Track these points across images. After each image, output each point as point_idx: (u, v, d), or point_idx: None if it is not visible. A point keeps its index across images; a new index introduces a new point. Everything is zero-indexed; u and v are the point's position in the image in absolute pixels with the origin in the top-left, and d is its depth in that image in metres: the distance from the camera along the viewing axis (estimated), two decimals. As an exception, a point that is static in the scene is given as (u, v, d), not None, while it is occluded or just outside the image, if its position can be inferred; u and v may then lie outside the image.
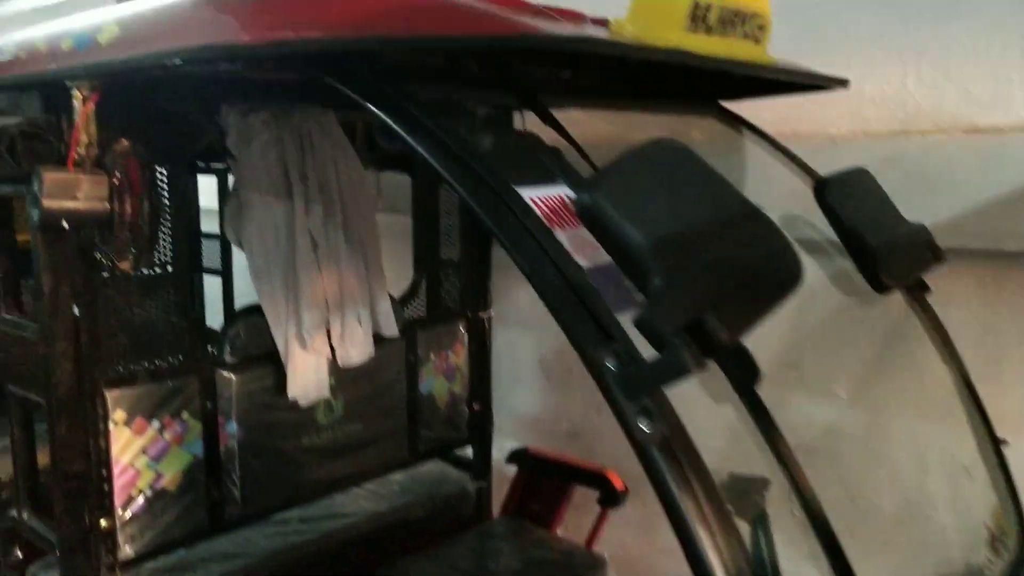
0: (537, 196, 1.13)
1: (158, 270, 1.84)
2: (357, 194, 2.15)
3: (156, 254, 1.89)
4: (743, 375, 1.07)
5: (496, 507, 2.58)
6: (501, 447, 2.59)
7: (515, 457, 2.50)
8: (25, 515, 1.89)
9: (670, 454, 0.90)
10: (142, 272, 1.77)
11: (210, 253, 3.34)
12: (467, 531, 2.40)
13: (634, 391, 0.91)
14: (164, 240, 1.92)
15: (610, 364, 0.94)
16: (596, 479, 2.31)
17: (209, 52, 1.16)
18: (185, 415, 1.90)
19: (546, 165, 1.17)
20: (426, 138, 1.05)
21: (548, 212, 1.15)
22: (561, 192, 1.18)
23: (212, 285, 3.24)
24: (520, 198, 1.05)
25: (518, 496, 2.50)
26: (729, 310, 0.92)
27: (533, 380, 2.74)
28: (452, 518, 2.47)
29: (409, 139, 1.07)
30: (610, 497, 2.28)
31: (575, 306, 0.97)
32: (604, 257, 1.13)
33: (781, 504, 1.59)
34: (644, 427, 0.91)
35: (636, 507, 2.44)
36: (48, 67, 1.53)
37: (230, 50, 1.13)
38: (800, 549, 1.52)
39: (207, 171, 2.83)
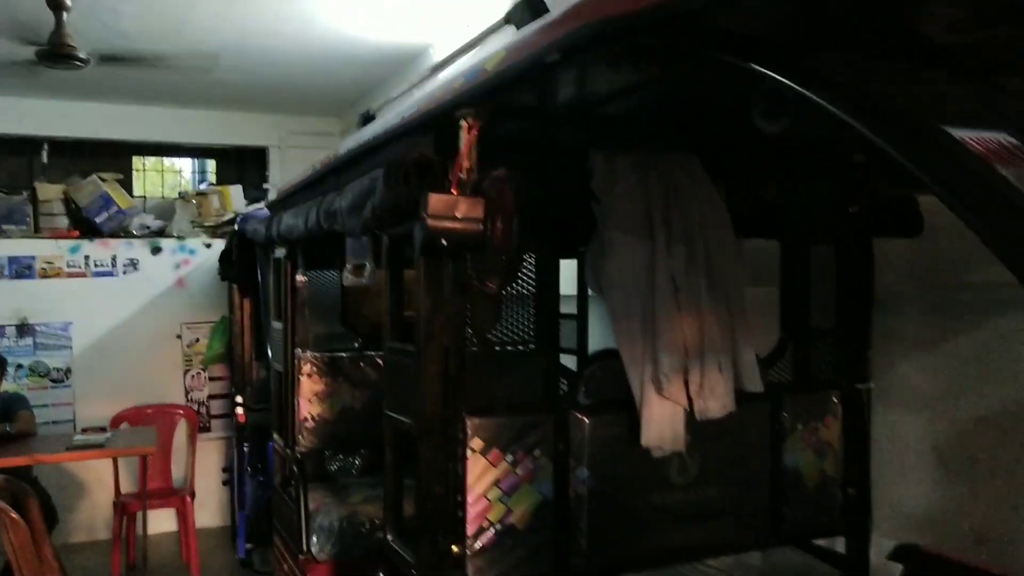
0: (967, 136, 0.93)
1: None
2: (722, 241, 2.04)
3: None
4: None
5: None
6: (879, 546, 2.20)
7: (902, 554, 2.09)
8: (390, 536, 1.97)
9: None
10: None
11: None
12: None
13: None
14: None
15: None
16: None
17: (586, 31, 1.16)
18: (537, 453, 1.88)
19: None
20: (834, 91, 0.92)
21: (984, 153, 0.93)
22: (996, 136, 0.96)
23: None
24: (951, 136, 0.86)
25: (905, 606, 2.08)
26: None
27: (923, 470, 2.31)
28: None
29: (816, 97, 0.95)
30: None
31: (1015, 222, 0.74)
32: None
33: None
34: None
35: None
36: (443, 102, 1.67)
37: (605, 24, 1.11)
38: None
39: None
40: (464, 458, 1.80)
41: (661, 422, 1.90)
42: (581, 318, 3.30)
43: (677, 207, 1.99)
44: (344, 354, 3.38)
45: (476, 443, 1.81)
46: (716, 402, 1.94)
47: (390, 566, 2.01)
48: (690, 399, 1.94)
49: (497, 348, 2.27)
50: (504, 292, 1.94)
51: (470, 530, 1.81)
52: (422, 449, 1.77)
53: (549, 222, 2.14)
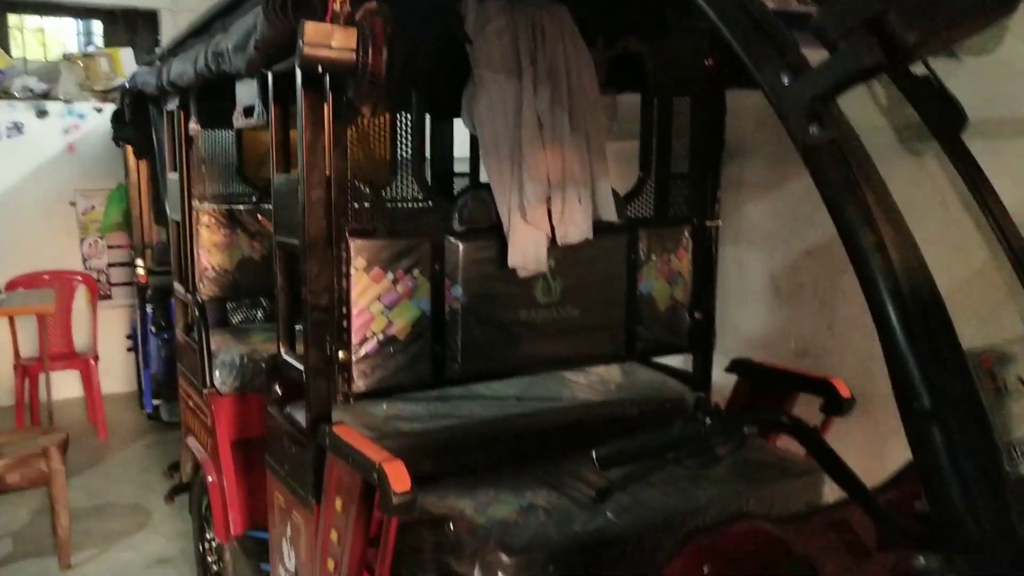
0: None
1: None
2: (585, 86, 2.22)
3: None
4: (946, 118, 0.97)
5: (713, 419, 2.52)
6: (723, 365, 2.53)
7: (736, 366, 2.43)
8: (283, 350, 2.17)
9: (838, 157, 0.86)
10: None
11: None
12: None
13: (804, 96, 0.88)
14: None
15: (784, 78, 0.91)
16: (820, 386, 2.18)
17: None
18: (416, 273, 2.09)
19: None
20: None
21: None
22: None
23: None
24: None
25: (737, 406, 2.43)
26: (921, 18, 0.86)
27: (762, 297, 2.64)
28: (667, 423, 2.44)
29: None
30: (834, 404, 2.14)
31: (752, 28, 0.96)
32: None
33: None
34: (813, 131, 0.88)
35: (865, 427, 2.28)
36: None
37: None
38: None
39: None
40: (348, 275, 1.99)
41: (525, 245, 2.13)
42: (473, 175, 3.48)
43: (544, 50, 2.15)
44: (241, 207, 3.49)
45: (359, 262, 2.01)
46: (575, 228, 2.18)
47: (284, 380, 2.22)
48: (552, 226, 2.17)
49: (389, 204, 2.44)
50: (401, 156, 2.12)
51: (355, 339, 2.02)
52: (309, 266, 1.95)
53: (427, 78, 2.28)
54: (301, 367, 2.03)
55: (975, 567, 0.84)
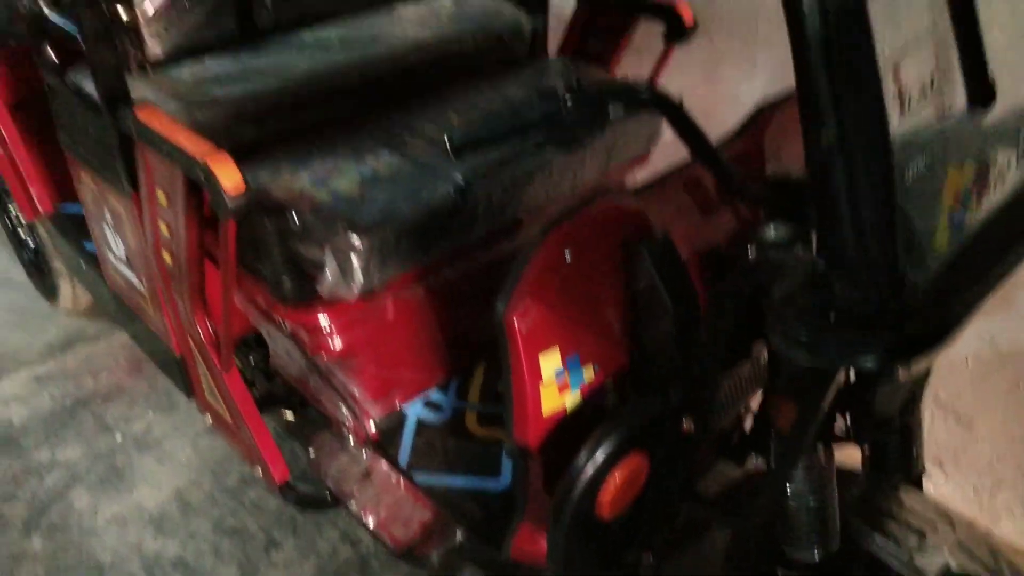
0: None
1: None
2: None
3: None
4: None
5: (553, 50, 2.40)
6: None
7: (574, -12, 2.24)
8: (44, 7, 1.77)
9: None
10: None
11: None
12: (520, 66, 2.25)
13: None
14: None
15: None
16: (662, 10, 2.07)
17: None
18: None
19: None
20: None
21: None
22: None
23: None
24: None
25: (576, 35, 2.30)
26: None
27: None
28: (504, 56, 2.30)
29: None
30: (676, 30, 2.05)
31: None
32: None
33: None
34: None
35: (703, 48, 2.25)
36: None
37: None
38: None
39: None
40: None
41: None
42: None
43: None
44: None
45: None
46: None
47: (59, 44, 1.85)
48: None
49: None
50: None
51: (139, -10, 1.66)
52: None
53: None
54: (75, 32, 1.67)
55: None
